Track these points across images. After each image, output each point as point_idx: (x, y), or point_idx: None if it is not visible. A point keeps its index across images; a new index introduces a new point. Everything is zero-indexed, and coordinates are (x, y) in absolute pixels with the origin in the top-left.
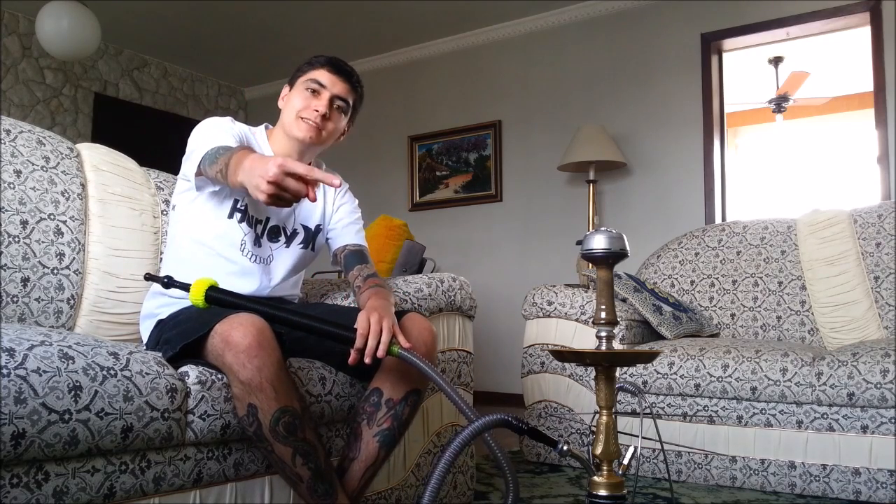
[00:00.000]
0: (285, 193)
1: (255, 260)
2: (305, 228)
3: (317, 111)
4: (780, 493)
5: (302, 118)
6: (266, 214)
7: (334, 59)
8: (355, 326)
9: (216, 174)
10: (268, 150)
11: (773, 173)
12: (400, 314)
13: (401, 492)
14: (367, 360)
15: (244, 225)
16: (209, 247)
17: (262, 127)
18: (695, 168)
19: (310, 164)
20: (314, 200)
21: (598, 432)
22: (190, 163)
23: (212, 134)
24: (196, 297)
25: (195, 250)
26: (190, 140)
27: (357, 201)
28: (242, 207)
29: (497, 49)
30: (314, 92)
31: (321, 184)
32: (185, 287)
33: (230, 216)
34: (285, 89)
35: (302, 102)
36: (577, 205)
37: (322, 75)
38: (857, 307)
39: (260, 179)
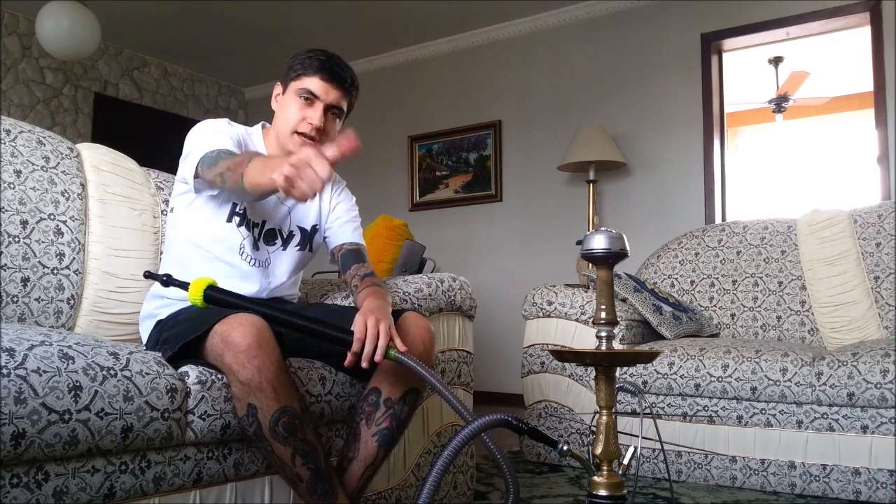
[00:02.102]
0: (300, 182)
1: (254, 263)
2: (302, 230)
3: (311, 124)
4: (780, 493)
5: (297, 132)
6: (262, 217)
7: (328, 62)
8: (352, 329)
9: (214, 177)
10: (263, 151)
11: (773, 173)
12: (398, 313)
13: (401, 492)
14: (364, 364)
15: (243, 229)
16: (207, 250)
17: (258, 126)
18: (695, 168)
19: None
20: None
21: (598, 432)
22: (187, 164)
23: (210, 136)
24: (195, 297)
25: (193, 253)
26: (187, 141)
27: (354, 198)
28: (241, 211)
29: (497, 49)
30: (307, 99)
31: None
32: (184, 286)
33: (229, 220)
34: (278, 87)
35: (297, 114)
36: (577, 205)
37: (315, 84)
38: (857, 307)
39: (282, 165)
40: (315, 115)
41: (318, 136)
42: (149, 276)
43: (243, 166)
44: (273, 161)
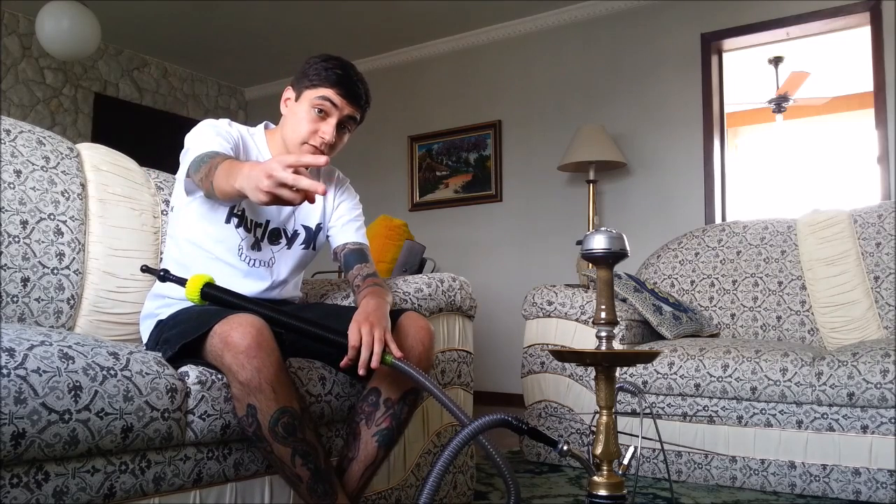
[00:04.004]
0: (282, 198)
1: (254, 264)
2: (306, 229)
3: (323, 139)
4: (780, 493)
5: (307, 143)
6: (266, 217)
7: (346, 77)
8: (348, 332)
9: (199, 181)
10: (266, 152)
11: (773, 173)
12: (398, 312)
13: (401, 492)
14: (360, 371)
15: (241, 230)
16: (207, 251)
17: (260, 127)
18: (695, 168)
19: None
20: (313, 202)
21: (598, 432)
22: (182, 165)
23: (206, 137)
24: (192, 293)
25: (194, 253)
26: (186, 140)
27: (358, 196)
28: (239, 212)
29: (497, 49)
30: (321, 111)
31: (321, 180)
32: (181, 281)
33: (227, 221)
34: (289, 91)
35: (308, 126)
36: (577, 205)
37: (332, 96)
38: (857, 307)
39: (256, 190)
40: (328, 129)
41: (328, 150)
42: (146, 270)
43: (213, 173)
44: (236, 167)
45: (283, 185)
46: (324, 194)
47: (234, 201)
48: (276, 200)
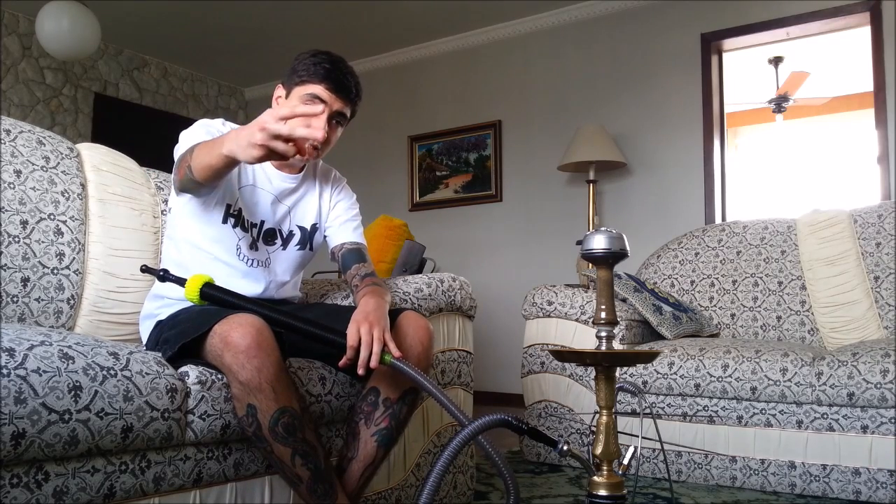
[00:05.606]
0: (276, 152)
1: (252, 264)
2: (301, 229)
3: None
4: (780, 493)
5: None
6: (260, 217)
7: (334, 71)
8: (347, 332)
9: (175, 178)
10: None
11: (773, 173)
12: (397, 312)
13: (401, 492)
14: (360, 371)
15: (238, 230)
16: (206, 251)
17: None
18: (695, 168)
19: (303, 168)
20: (305, 155)
21: (598, 432)
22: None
23: (195, 135)
24: (191, 293)
25: (193, 254)
26: (180, 139)
27: (355, 196)
28: (235, 212)
29: (497, 49)
30: None
31: (318, 180)
32: (181, 282)
33: (224, 221)
34: (280, 89)
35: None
36: (577, 205)
37: (321, 92)
38: (857, 307)
39: (248, 147)
40: (319, 125)
41: (321, 147)
42: (146, 270)
43: (187, 159)
44: (216, 140)
45: (277, 137)
46: (322, 140)
47: (215, 182)
48: (270, 155)
